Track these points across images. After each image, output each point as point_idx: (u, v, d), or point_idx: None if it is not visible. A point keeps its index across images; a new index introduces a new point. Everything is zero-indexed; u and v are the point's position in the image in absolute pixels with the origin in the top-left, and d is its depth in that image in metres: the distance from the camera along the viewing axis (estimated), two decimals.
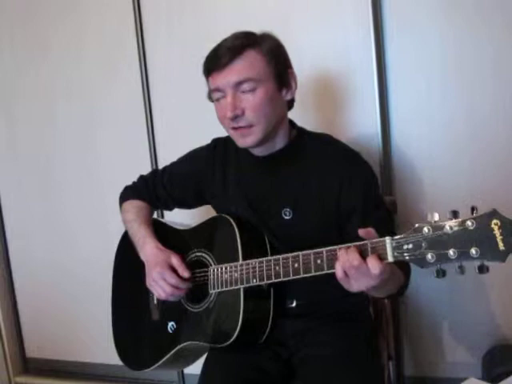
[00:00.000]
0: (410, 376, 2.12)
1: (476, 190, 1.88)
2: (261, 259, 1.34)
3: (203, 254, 1.53)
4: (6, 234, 2.76)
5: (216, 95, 1.41)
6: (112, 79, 2.35)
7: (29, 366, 2.86)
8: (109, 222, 2.33)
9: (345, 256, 1.14)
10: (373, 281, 1.12)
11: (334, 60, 1.98)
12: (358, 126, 2.00)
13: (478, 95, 1.86)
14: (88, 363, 2.69)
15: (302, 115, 1.58)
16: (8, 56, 2.54)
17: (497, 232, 0.97)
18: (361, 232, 1.14)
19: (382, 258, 1.11)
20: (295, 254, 1.27)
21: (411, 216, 1.93)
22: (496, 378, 1.39)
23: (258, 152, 1.47)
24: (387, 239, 1.10)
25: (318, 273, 1.22)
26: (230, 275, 1.40)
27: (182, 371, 2.48)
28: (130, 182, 1.76)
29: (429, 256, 1.04)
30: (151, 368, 1.60)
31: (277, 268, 1.30)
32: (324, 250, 1.21)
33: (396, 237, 1.10)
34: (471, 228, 0.99)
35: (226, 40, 1.40)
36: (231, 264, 1.40)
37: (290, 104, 1.49)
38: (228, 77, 1.35)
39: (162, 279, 1.47)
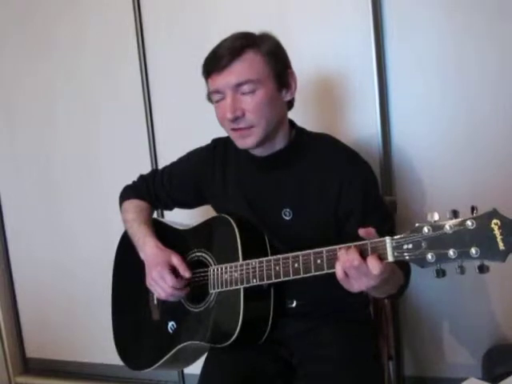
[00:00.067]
0: (410, 376, 2.12)
1: (476, 189, 1.88)
2: (261, 259, 1.34)
3: (203, 254, 1.53)
4: (6, 234, 2.76)
5: (216, 97, 1.41)
6: (112, 79, 2.35)
7: (29, 366, 2.86)
8: (109, 222, 2.32)
9: (345, 256, 1.14)
10: (373, 281, 1.12)
11: (334, 60, 1.98)
12: (358, 125, 2.00)
13: (478, 95, 1.86)
14: (88, 363, 2.69)
15: (302, 115, 1.58)
16: (8, 56, 2.54)
17: (497, 232, 0.97)
18: (361, 232, 1.14)
19: (382, 257, 1.11)
20: (295, 254, 1.27)
21: (411, 216, 1.93)
22: (496, 378, 1.38)
23: (258, 153, 1.47)
24: (387, 239, 1.10)
25: (318, 273, 1.22)
26: (230, 275, 1.40)
27: (182, 371, 2.48)
28: (130, 182, 1.76)
29: (429, 256, 1.04)
30: (151, 368, 1.60)
31: (277, 268, 1.30)
32: (324, 249, 1.21)
33: (396, 237, 1.10)
34: (471, 228, 0.99)
35: (224, 41, 1.40)
36: (231, 264, 1.40)
37: (290, 104, 1.49)
38: (227, 78, 1.35)
39: (161, 279, 1.47)
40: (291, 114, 1.52)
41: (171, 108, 2.28)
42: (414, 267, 1.14)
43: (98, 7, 2.31)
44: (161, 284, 1.48)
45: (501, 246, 0.97)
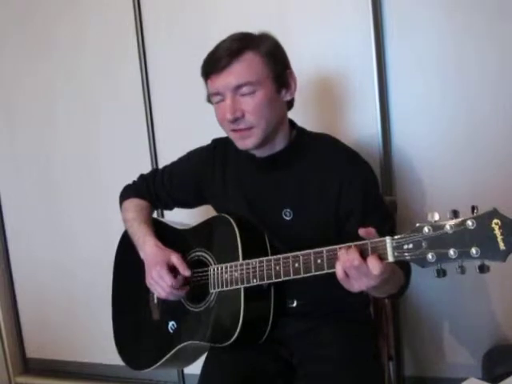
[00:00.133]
0: (410, 376, 2.12)
1: (476, 189, 1.88)
2: (261, 259, 1.34)
3: (203, 254, 1.53)
4: (6, 234, 2.76)
5: (215, 98, 1.41)
6: (112, 79, 2.35)
7: (29, 365, 2.86)
8: (109, 222, 2.32)
9: (345, 256, 1.14)
10: (373, 281, 1.12)
11: (334, 60, 1.98)
12: (359, 125, 2.00)
13: (477, 95, 1.86)
14: (88, 363, 2.69)
15: (302, 115, 1.58)
16: (8, 56, 2.54)
17: (497, 232, 0.97)
18: (361, 232, 1.14)
19: (382, 257, 1.11)
20: (295, 253, 1.27)
21: (411, 216, 1.93)
22: (496, 378, 1.38)
23: (258, 153, 1.47)
24: (387, 239, 1.10)
25: (318, 272, 1.22)
26: (231, 275, 1.40)
27: (182, 371, 2.48)
28: (130, 182, 1.76)
29: (429, 256, 1.04)
30: (152, 368, 1.60)
31: (277, 268, 1.30)
32: (324, 249, 1.21)
33: (396, 236, 1.10)
34: (471, 228, 0.99)
35: (223, 42, 1.40)
36: (231, 263, 1.40)
37: (290, 104, 1.49)
38: (227, 80, 1.35)
39: (161, 278, 1.47)
40: (291, 114, 1.52)
41: (171, 108, 2.28)
42: (414, 267, 1.14)
43: (98, 7, 2.31)
44: (160, 283, 1.48)
45: (501, 245, 0.97)
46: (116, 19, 2.29)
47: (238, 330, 1.37)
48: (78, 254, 2.58)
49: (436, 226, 1.03)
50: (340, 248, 1.17)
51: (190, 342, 1.50)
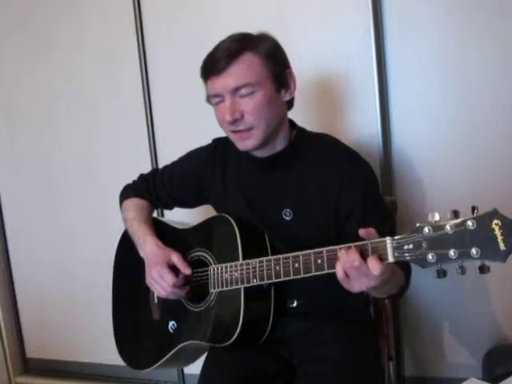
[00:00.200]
0: (410, 376, 2.12)
1: (476, 189, 1.88)
2: (261, 259, 1.34)
3: (203, 254, 1.53)
4: (6, 234, 2.76)
5: (215, 100, 1.41)
6: (112, 79, 2.35)
7: (29, 366, 2.86)
8: (109, 222, 2.32)
9: (345, 256, 1.14)
10: (373, 281, 1.12)
11: (334, 60, 1.98)
12: (359, 125, 1.99)
13: (478, 94, 1.86)
14: (88, 363, 2.69)
15: (302, 116, 1.58)
16: (8, 56, 2.54)
17: (497, 232, 0.97)
18: (361, 232, 1.14)
19: (382, 258, 1.11)
20: (295, 253, 1.27)
21: (411, 216, 1.93)
22: (496, 379, 1.38)
23: (259, 154, 1.47)
24: (388, 239, 1.10)
25: (318, 273, 1.22)
26: (231, 275, 1.40)
27: (182, 371, 2.48)
28: (130, 181, 1.76)
29: (429, 256, 1.04)
30: (152, 367, 1.60)
31: (277, 268, 1.30)
32: (324, 249, 1.21)
33: (396, 237, 1.10)
34: (472, 228, 0.99)
35: (222, 43, 1.39)
36: (231, 263, 1.40)
37: (290, 104, 1.49)
38: (226, 82, 1.35)
39: (161, 278, 1.47)
40: (291, 115, 1.52)
41: (171, 108, 2.27)
42: (414, 267, 1.14)
43: (98, 7, 2.31)
44: (160, 283, 1.48)
45: (501, 246, 0.97)
46: (116, 19, 2.29)
47: (238, 329, 1.37)
48: (78, 254, 2.58)
49: (436, 227, 1.03)
50: (340, 248, 1.17)
51: (190, 341, 1.50)
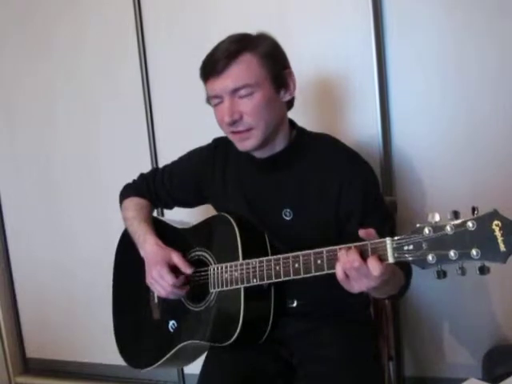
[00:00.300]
0: (410, 376, 2.12)
1: (476, 189, 1.88)
2: (261, 259, 1.34)
3: (203, 253, 1.53)
4: (6, 234, 2.76)
5: (214, 101, 1.41)
6: (112, 79, 2.35)
7: (29, 366, 2.86)
8: (109, 222, 2.31)
9: (345, 257, 1.13)
10: (373, 282, 1.12)
11: (334, 60, 1.98)
12: (359, 126, 1.99)
13: (477, 94, 1.86)
14: (88, 363, 2.69)
15: (302, 116, 1.58)
16: (8, 56, 2.54)
17: (498, 233, 0.97)
18: (361, 233, 1.14)
19: (382, 258, 1.10)
20: (295, 254, 1.27)
21: (411, 216, 1.93)
22: (496, 379, 1.38)
23: (259, 154, 1.47)
24: (388, 240, 1.10)
25: (318, 273, 1.22)
26: (231, 274, 1.40)
27: (182, 371, 2.48)
28: (130, 181, 1.76)
29: (429, 257, 1.04)
30: (152, 367, 1.60)
31: (277, 268, 1.30)
32: (324, 250, 1.21)
33: (396, 238, 1.09)
34: (472, 229, 0.99)
35: (221, 43, 1.39)
36: (231, 263, 1.40)
37: (290, 104, 1.48)
38: (224, 83, 1.35)
39: (161, 277, 1.47)
40: (291, 115, 1.52)
41: (171, 108, 2.27)
42: (414, 268, 1.14)
43: (98, 7, 2.31)
44: (161, 282, 1.48)
45: (502, 247, 0.97)
46: (116, 19, 2.29)
47: (238, 329, 1.37)
48: (78, 254, 2.58)
49: (436, 227, 1.03)
50: (340, 249, 1.17)
51: (190, 341, 1.50)
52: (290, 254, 1.28)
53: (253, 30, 1.42)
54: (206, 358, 1.57)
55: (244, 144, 1.41)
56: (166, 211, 2.17)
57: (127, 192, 1.73)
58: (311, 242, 1.27)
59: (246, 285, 1.37)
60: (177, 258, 1.49)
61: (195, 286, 1.52)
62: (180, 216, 1.82)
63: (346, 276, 1.14)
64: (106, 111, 2.40)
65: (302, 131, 1.52)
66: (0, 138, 2.66)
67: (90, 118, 2.44)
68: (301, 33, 2.00)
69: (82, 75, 2.40)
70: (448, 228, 1.01)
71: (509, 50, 1.81)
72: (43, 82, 2.49)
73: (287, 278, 1.29)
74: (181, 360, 1.66)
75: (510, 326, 1.96)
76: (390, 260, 1.10)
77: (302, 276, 1.25)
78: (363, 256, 1.12)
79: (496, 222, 0.97)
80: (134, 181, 1.75)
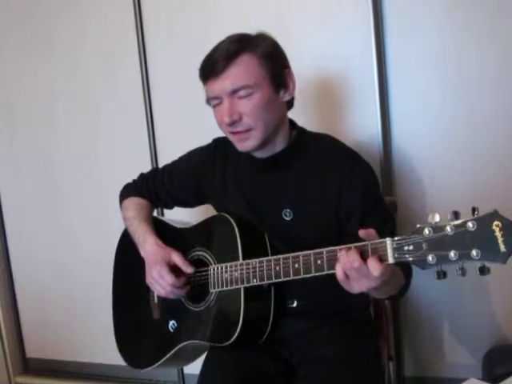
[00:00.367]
0: (410, 376, 2.12)
1: (476, 189, 1.88)
2: (261, 259, 1.34)
3: (203, 253, 1.53)
4: (6, 234, 2.76)
5: (213, 102, 1.41)
6: (112, 79, 2.35)
7: (29, 366, 2.86)
8: (109, 222, 2.31)
9: (345, 257, 1.13)
10: (373, 282, 1.12)
11: (334, 60, 1.98)
12: (359, 126, 1.99)
13: (477, 94, 1.86)
14: (88, 363, 2.69)
15: (302, 116, 1.58)
16: (8, 56, 2.54)
17: (498, 234, 0.97)
18: (361, 233, 1.13)
19: (382, 259, 1.10)
20: (295, 254, 1.27)
21: (411, 216, 1.93)
22: (496, 379, 1.38)
23: (259, 155, 1.47)
24: (388, 240, 1.10)
25: (318, 273, 1.22)
26: (231, 274, 1.40)
27: (182, 371, 2.48)
28: (130, 181, 1.76)
29: (429, 257, 1.04)
30: (152, 367, 1.60)
31: (277, 268, 1.30)
32: (324, 250, 1.21)
33: (396, 238, 1.09)
34: (472, 229, 0.99)
35: (221, 43, 1.39)
36: (231, 263, 1.40)
37: (290, 104, 1.48)
38: (223, 84, 1.35)
39: (161, 277, 1.47)
40: (291, 115, 1.52)
41: (171, 108, 2.27)
42: (414, 268, 1.14)
43: (98, 7, 2.31)
44: (160, 282, 1.48)
45: (502, 247, 0.97)
46: (116, 19, 2.29)
47: (238, 329, 1.37)
48: (78, 254, 2.58)
49: (436, 228, 1.03)
50: (340, 249, 1.17)
51: (190, 341, 1.50)
52: (290, 255, 1.28)
53: (253, 30, 1.42)
54: (206, 358, 1.57)
55: (243, 144, 1.41)
56: (166, 211, 2.17)
57: (127, 192, 1.73)
58: (311, 242, 1.27)
59: (246, 285, 1.37)
60: (177, 258, 1.49)
61: (195, 286, 1.52)
62: (180, 216, 1.82)
63: (346, 276, 1.14)
64: (106, 111, 2.40)
65: (302, 131, 1.52)
66: (0, 138, 2.66)
67: (90, 118, 2.44)
68: (301, 33, 2.00)
69: (81, 75, 2.40)
70: (448, 228, 1.01)
71: (509, 49, 1.80)
72: (43, 82, 2.48)
73: (287, 279, 1.29)
74: (181, 360, 1.66)
75: (510, 326, 1.96)
76: (390, 260, 1.10)
77: (301, 276, 1.25)
78: (363, 256, 1.12)
79: (496, 223, 0.97)
80: (134, 181, 1.75)
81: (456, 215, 1.02)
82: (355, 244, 1.15)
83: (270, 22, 1.63)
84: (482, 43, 1.82)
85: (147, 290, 1.60)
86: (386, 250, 1.10)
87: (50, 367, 2.79)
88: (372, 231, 1.14)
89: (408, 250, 1.07)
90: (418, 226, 1.06)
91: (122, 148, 2.40)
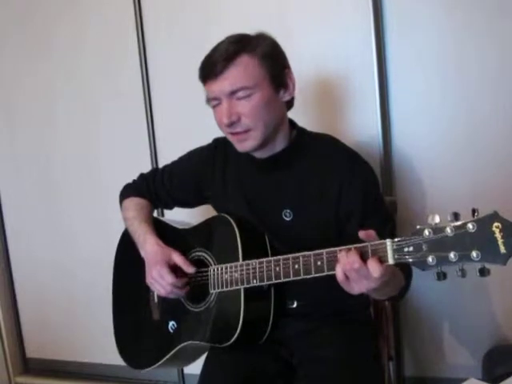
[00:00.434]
0: (410, 376, 2.12)
1: (476, 189, 1.88)
2: (261, 260, 1.34)
3: (203, 254, 1.53)
4: (6, 234, 2.76)
5: (213, 102, 1.41)
6: (112, 79, 2.35)
7: (29, 366, 2.86)
8: (109, 222, 2.31)
9: (345, 258, 1.13)
10: (373, 283, 1.12)
11: (334, 60, 1.98)
12: (359, 126, 1.99)
13: (478, 94, 1.86)
14: (88, 363, 2.69)
15: (302, 116, 1.58)
16: (8, 56, 2.54)
17: (498, 235, 0.96)
18: (361, 234, 1.13)
19: (382, 260, 1.10)
20: (295, 255, 1.26)
21: (411, 216, 1.93)
22: (496, 379, 1.38)
23: (258, 155, 1.47)
24: (388, 241, 1.10)
25: (318, 274, 1.22)
26: (230, 275, 1.40)
27: (182, 371, 2.48)
28: (130, 181, 1.76)
29: (429, 259, 1.04)
30: (152, 367, 1.60)
31: (277, 269, 1.30)
32: (324, 251, 1.21)
33: (396, 239, 1.09)
34: (472, 231, 0.99)
35: (220, 44, 1.39)
36: (231, 264, 1.40)
37: (290, 104, 1.48)
38: (222, 85, 1.35)
39: (161, 277, 1.47)
40: (291, 115, 1.52)
41: (171, 108, 2.27)
42: (414, 269, 1.13)
43: (98, 7, 2.31)
44: (160, 282, 1.48)
45: (502, 249, 0.96)
46: (116, 19, 2.29)
47: (238, 330, 1.37)
48: (78, 254, 2.58)
49: (436, 229, 1.03)
50: (340, 250, 1.17)
51: (190, 342, 1.50)
52: (290, 255, 1.27)
53: (253, 30, 1.42)
54: (207, 358, 1.57)
55: (243, 145, 1.41)
56: (166, 211, 2.16)
57: (127, 192, 1.73)
58: (311, 243, 1.27)
59: (246, 286, 1.37)
60: (178, 258, 1.49)
61: (195, 287, 1.52)
62: (180, 216, 1.82)
63: (346, 277, 1.14)
64: (106, 111, 2.40)
65: (302, 131, 1.52)
66: (0, 138, 2.66)
67: (89, 118, 2.44)
68: (301, 33, 1.99)
69: (81, 75, 2.40)
70: (448, 230, 1.01)
71: (509, 49, 1.80)
72: (43, 82, 2.48)
73: (287, 279, 1.29)
74: (181, 360, 1.66)
75: (510, 326, 1.96)
76: (390, 261, 1.10)
77: (301, 277, 1.25)
78: (363, 257, 1.12)
79: (496, 224, 0.97)
80: (134, 181, 1.75)
81: (456, 216, 1.02)
82: (355, 245, 1.15)
83: (270, 22, 1.63)
84: (481, 43, 1.82)
85: (147, 290, 1.60)
86: (386, 251, 1.10)
87: (50, 367, 2.79)
88: (372, 232, 1.14)
89: (408, 251, 1.07)
90: (418, 227, 1.06)
91: (122, 148, 2.40)
